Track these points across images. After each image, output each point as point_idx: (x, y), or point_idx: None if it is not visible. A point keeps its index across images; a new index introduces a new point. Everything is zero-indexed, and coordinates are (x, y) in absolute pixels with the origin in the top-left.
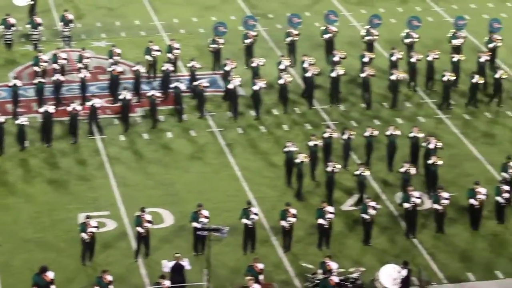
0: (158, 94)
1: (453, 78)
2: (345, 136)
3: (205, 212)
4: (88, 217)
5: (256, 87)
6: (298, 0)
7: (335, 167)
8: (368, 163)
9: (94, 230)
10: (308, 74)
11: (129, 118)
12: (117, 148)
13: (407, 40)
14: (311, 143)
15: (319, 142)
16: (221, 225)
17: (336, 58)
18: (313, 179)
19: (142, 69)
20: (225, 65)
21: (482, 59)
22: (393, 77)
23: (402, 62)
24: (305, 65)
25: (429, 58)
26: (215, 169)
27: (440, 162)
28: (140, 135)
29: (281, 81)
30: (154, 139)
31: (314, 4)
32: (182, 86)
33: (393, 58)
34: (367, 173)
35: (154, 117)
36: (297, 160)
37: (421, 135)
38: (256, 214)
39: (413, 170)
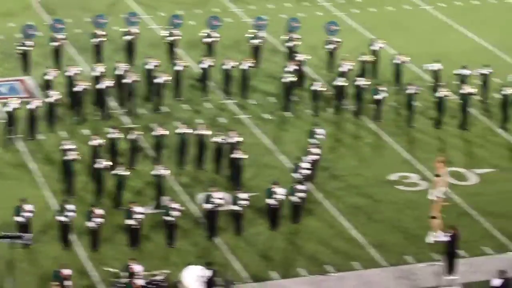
0: None
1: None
2: (132, 136)
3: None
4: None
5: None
6: (96, 4)
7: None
8: (159, 161)
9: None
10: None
11: None
12: None
13: (207, 40)
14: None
15: (103, 141)
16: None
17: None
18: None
19: None
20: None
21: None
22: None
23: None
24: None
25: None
26: None
27: (245, 156)
28: None
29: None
30: None
31: (112, 7)
32: None
33: (204, 66)
34: (165, 172)
35: None
36: (68, 158)
37: (207, 132)
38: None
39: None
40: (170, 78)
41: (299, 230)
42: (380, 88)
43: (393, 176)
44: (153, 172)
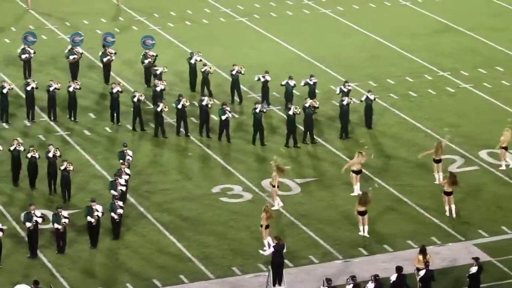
0: None
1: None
2: None
3: None
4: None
5: None
6: None
7: None
8: None
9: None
10: None
11: None
12: None
13: (23, 56)
14: None
15: None
16: None
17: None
18: None
19: None
20: None
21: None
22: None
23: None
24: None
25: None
26: None
27: (71, 168)
28: None
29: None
30: None
31: None
32: None
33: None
34: None
35: None
36: None
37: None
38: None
39: None
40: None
41: (123, 245)
42: (226, 108)
43: (216, 189)
44: None
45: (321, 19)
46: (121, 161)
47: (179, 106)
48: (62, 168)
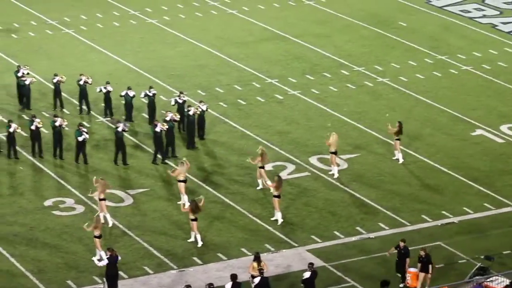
0: None
1: None
2: None
3: None
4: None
5: None
6: None
7: None
8: None
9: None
10: None
11: None
12: None
13: None
14: None
15: None
16: None
17: None
18: None
19: None
20: None
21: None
22: None
23: None
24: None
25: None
26: None
27: None
28: None
29: None
30: None
31: None
32: None
33: None
34: None
35: None
36: None
37: None
38: None
39: None
40: None
41: None
42: (83, 129)
43: (49, 202)
44: None
45: (148, 28)
46: None
47: (33, 127)
48: None
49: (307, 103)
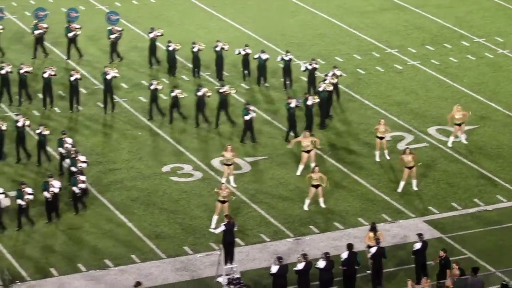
0: None
1: None
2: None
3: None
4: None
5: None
6: None
7: None
8: None
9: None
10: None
11: None
12: None
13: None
14: None
15: None
16: None
17: None
18: None
19: None
20: None
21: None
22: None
23: None
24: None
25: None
26: None
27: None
28: None
29: None
30: None
31: None
32: None
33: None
34: None
35: None
36: None
37: None
38: None
39: None
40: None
41: (77, 225)
42: (251, 108)
43: (167, 168)
44: None
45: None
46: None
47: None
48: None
49: (427, 74)
